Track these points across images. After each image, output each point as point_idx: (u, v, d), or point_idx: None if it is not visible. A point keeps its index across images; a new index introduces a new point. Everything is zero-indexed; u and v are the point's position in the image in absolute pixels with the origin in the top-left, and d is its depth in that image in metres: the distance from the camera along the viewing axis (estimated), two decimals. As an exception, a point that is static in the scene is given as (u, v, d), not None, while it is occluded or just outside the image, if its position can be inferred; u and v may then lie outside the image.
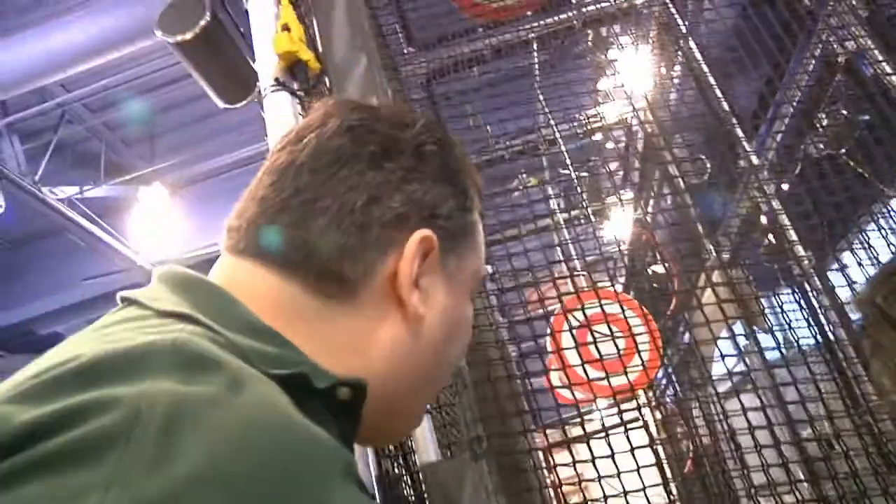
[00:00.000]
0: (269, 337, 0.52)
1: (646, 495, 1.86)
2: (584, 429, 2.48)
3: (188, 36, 3.42)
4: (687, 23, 3.41)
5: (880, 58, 2.25)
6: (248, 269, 0.58)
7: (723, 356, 2.93)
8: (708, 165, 3.98)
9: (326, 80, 1.39)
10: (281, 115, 1.33)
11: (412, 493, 0.94)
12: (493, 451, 1.17)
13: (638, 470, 1.92)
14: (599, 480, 1.79)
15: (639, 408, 4.28)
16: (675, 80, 3.64)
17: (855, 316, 2.96)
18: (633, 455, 1.85)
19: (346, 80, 1.25)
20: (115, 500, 0.35)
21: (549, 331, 3.22)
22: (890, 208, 2.96)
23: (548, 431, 3.95)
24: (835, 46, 2.47)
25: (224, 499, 0.35)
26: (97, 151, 7.23)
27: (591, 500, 1.82)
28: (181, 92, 6.75)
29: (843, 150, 3.46)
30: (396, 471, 0.93)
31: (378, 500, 0.92)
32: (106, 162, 7.21)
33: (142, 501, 0.35)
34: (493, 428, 1.23)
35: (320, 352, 0.54)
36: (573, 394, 2.65)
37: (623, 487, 1.88)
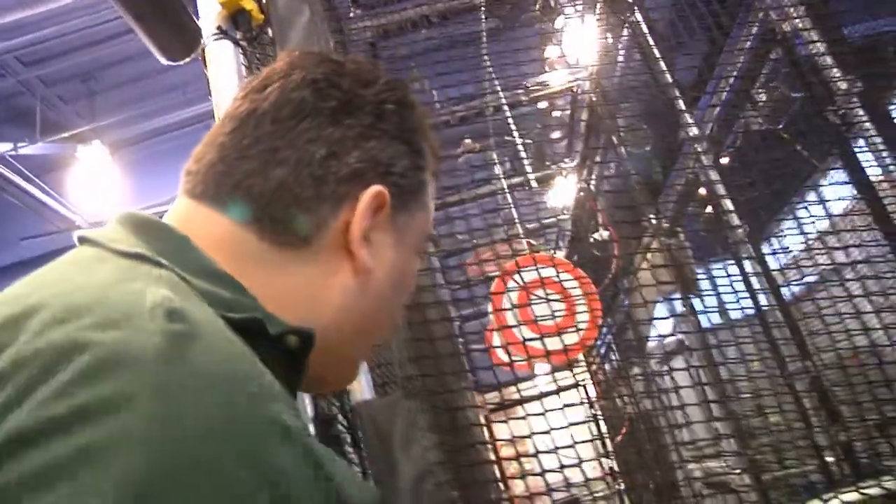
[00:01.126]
0: (224, 281, 0.54)
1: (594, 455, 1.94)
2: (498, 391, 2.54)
3: (129, -13, 3.32)
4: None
5: (807, 27, 2.33)
6: (205, 213, 0.59)
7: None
8: (650, 135, 4.06)
9: (269, 30, 1.39)
10: (223, 64, 1.33)
11: (347, 430, 0.97)
12: (425, 389, 1.22)
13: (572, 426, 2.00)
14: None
15: (588, 366, 4.40)
16: (621, 49, 3.69)
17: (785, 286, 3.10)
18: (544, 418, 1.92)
19: (289, 31, 1.25)
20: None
21: (489, 296, 3.27)
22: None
23: (488, 396, 4.03)
24: (772, 16, 2.54)
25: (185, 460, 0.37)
26: (32, 106, 6.97)
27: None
28: (123, 48, 6.53)
29: (780, 125, 3.57)
30: (331, 410, 0.96)
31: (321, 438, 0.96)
32: (42, 118, 6.96)
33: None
34: (425, 368, 1.27)
35: (271, 299, 0.56)
36: (509, 356, 2.71)
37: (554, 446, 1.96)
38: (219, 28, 1.36)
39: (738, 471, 3.43)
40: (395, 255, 0.64)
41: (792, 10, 2.42)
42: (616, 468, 4.39)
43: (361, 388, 0.98)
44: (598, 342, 4.67)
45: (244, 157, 0.59)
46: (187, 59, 3.61)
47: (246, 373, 0.43)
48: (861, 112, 2.46)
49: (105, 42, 6.57)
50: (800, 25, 2.39)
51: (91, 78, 6.97)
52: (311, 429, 0.91)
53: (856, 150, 2.48)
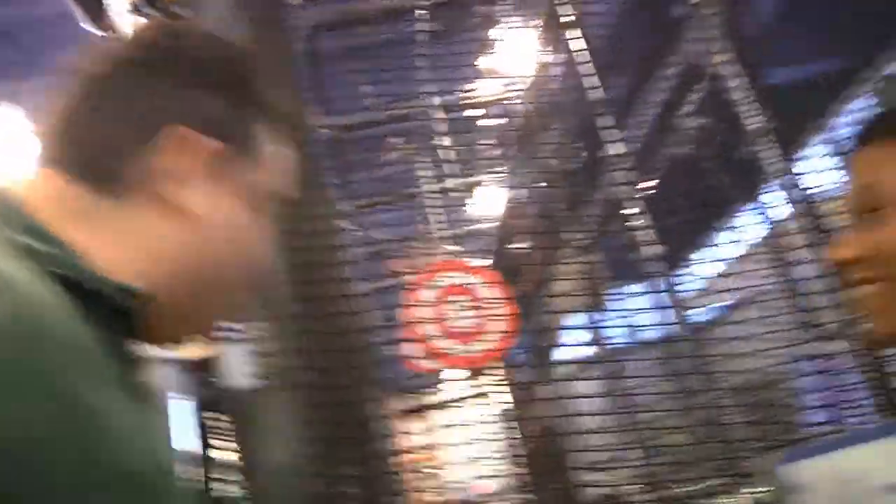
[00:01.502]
0: (45, 237, 0.55)
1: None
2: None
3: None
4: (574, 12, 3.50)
5: (726, 61, 2.41)
6: (44, 174, 0.62)
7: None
8: (582, 153, 4.14)
9: (183, 9, 1.34)
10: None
11: (228, 416, 0.96)
12: (307, 382, 1.21)
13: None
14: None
15: (500, 374, 4.43)
16: (556, 65, 3.75)
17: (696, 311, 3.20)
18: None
19: (202, 10, 1.22)
20: None
21: (402, 300, 3.26)
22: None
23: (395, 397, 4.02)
24: (694, 52, 2.63)
25: None
26: (-56, 61, 6.60)
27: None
28: (48, 8, 6.27)
29: (703, 156, 3.70)
30: (214, 395, 0.94)
31: (198, 421, 0.95)
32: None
33: None
34: (309, 361, 1.27)
35: (103, 251, 0.57)
36: (417, 357, 2.72)
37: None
38: (133, 4, 1.32)
39: (635, 485, 3.53)
40: (224, 206, 0.65)
41: (713, 47, 2.50)
42: (524, 477, 4.44)
43: (239, 375, 0.96)
44: (513, 350, 4.73)
45: (73, 117, 0.63)
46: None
47: (25, 325, 0.44)
48: (773, 151, 2.56)
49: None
50: (719, 61, 2.47)
51: (8, 36, 6.65)
52: (188, 402, 0.89)
53: (764, 188, 2.58)
